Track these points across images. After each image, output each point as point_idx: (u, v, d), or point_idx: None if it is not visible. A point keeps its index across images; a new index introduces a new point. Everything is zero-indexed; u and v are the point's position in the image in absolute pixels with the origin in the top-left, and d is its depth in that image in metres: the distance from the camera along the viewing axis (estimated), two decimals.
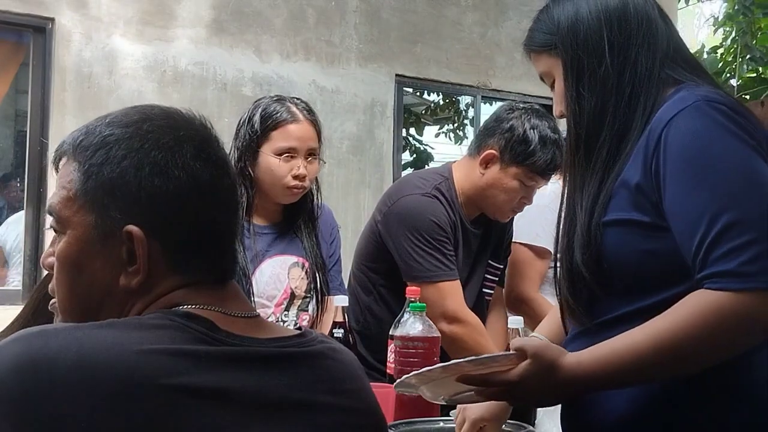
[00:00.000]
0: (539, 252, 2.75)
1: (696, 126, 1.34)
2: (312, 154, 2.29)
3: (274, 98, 2.34)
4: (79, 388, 0.90)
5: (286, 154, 2.25)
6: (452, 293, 2.27)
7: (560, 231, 1.54)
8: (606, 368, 1.33)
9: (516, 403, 1.53)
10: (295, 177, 2.25)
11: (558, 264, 1.53)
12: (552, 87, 1.57)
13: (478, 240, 2.47)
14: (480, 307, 2.50)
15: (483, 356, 1.37)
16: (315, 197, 2.39)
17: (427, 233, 2.32)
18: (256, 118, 2.27)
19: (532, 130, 2.32)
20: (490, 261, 2.53)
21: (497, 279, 2.57)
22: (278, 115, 2.27)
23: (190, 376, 0.95)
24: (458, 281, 2.34)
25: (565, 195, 1.55)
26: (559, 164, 2.35)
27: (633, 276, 1.40)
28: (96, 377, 0.91)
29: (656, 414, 1.40)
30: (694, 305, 1.29)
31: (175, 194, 1.04)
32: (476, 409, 1.67)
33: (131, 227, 1.03)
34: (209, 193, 1.07)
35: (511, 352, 1.37)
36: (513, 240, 2.70)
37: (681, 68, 1.48)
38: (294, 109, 2.29)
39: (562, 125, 2.86)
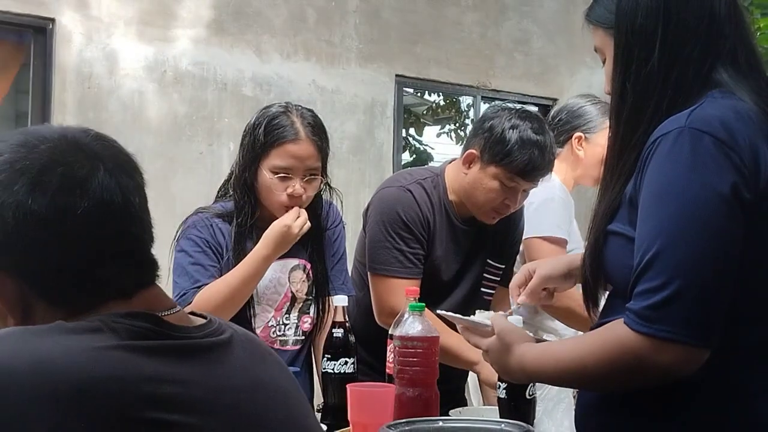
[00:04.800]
0: (561, 242, 2.68)
1: (672, 154, 1.30)
2: (312, 174, 2.25)
3: (282, 109, 2.27)
4: (38, 394, 0.90)
5: (282, 174, 2.21)
6: (399, 291, 2.20)
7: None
8: (539, 369, 1.49)
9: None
10: (291, 196, 2.22)
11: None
12: (604, 62, 1.51)
13: (470, 238, 2.45)
14: (474, 306, 2.48)
15: (468, 318, 1.71)
16: (323, 198, 2.37)
17: (391, 226, 2.34)
18: (260, 130, 2.22)
19: (511, 130, 2.27)
20: (489, 261, 2.51)
21: (499, 279, 2.55)
22: (279, 131, 2.21)
23: (145, 369, 0.97)
24: (415, 280, 2.33)
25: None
26: (540, 166, 2.29)
27: (624, 289, 1.37)
28: (53, 381, 0.92)
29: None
30: (607, 334, 1.34)
31: (11, 232, 1.01)
32: (546, 266, 1.80)
33: None
34: (51, 222, 1.01)
35: (489, 324, 1.61)
36: (535, 236, 2.65)
37: (733, 70, 1.40)
38: (298, 125, 2.22)
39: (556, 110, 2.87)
